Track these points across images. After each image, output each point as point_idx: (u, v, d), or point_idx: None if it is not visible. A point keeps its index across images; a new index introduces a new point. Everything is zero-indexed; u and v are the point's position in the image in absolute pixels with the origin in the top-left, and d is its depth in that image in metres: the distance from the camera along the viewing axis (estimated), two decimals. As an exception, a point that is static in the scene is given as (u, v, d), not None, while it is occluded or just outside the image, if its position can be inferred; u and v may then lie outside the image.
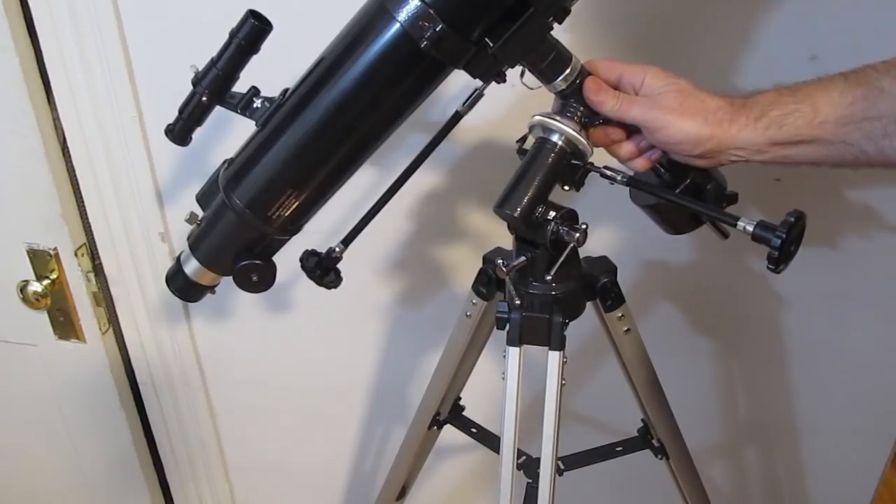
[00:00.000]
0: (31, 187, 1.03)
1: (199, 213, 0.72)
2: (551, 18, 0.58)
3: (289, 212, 0.66)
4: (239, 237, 0.68)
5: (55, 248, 1.07)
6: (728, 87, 0.83)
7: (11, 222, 1.07)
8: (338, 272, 0.71)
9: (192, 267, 0.72)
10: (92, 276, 1.11)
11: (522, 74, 0.62)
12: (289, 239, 0.70)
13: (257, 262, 0.68)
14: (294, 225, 0.69)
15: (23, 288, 1.10)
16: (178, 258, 0.74)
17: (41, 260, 1.08)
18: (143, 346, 1.19)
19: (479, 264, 0.77)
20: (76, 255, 1.08)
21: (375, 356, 1.14)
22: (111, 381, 1.20)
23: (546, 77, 0.61)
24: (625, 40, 0.82)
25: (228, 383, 1.24)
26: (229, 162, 0.68)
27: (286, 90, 0.64)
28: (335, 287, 0.71)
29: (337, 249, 0.70)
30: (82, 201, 1.06)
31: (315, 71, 0.61)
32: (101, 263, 1.12)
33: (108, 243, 1.09)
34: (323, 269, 0.70)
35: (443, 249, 1.02)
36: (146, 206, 1.05)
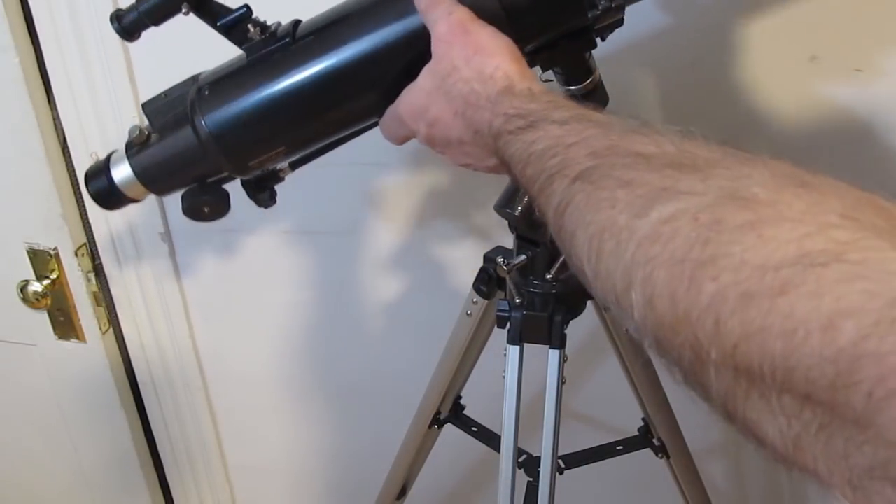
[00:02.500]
0: (31, 187, 1.03)
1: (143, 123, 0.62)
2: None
3: (272, 164, 0.62)
4: (196, 169, 0.61)
5: (55, 248, 1.07)
6: (728, 86, 0.83)
7: (11, 222, 1.07)
8: (273, 193, 0.66)
9: (122, 175, 0.63)
10: (92, 276, 1.11)
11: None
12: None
13: (210, 195, 0.62)
14: (265, 170, 0.63)
15: (23, 288, 1.10)
16: (109, 157, 0.64)
17: (41, 260, 1.08)
18: (143, 346, 1.19)
19: (480, 263, 0.77)
20: (76, 255, 1.08)
21: (375, 355, 1.14)
22: (111, 381, 1.20)
23: (568, 82, 0.60)
24: (622, 40, 0.82)
25: (228, 383, 1.24)
26: (202, 87, 0.58)
27: (297, 22, 0.57)
28: (265, 206, 0.66)
29: (283, 170, 0.65)
30: (82, 201, 1.06)
31: (345, 20, 0.56)
32: (101, 263, 1.12)
33: (108, 243, 1.09)
34: (261, 184, 0.65)
35: (443, 248, 1.02)
36: (146, 206, 1.05)
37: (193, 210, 0.62)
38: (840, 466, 0.24)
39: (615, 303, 0.32)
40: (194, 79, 0.60)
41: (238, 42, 0.57)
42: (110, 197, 0.64)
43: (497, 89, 0.47)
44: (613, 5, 0.52)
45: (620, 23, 0.56)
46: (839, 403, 0.23)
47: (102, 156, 0.65)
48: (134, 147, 0.62)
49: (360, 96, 0.57)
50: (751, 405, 0.26)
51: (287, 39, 0.56)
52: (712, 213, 0.28)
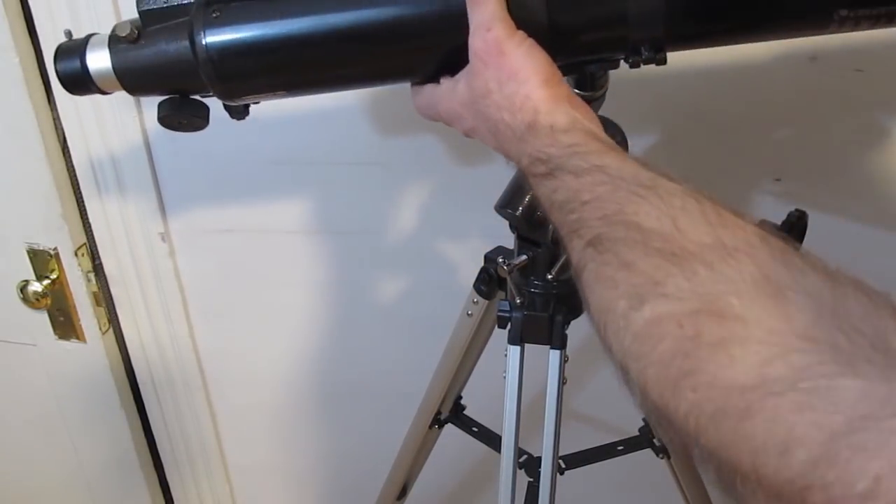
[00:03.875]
0: (31, 187, 1.03)
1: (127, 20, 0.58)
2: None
3: (265, 100, 0.59)
4: (182, 83, 0.58)
5: (55, 248, 1.07)
6: (728, 86, 0.83)
7: (11, 222, 1.07)
8: (247, 105, 0.63)
9: (98, 65, 0.58)
10: (92, 276, 1.11)
11: None
12: None
13: (190, 108, 0.60)
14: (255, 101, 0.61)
15: (23, 288, 1.10)
16: (87, 40, 0.59)
17: (41, 260, 1.08)
18: (143, 346, 1.19)
19: (480, 263, 0.77)
20: (76, 255, 1.08)
21: (376, 355, 1.14)
22: (111, 381, 1.20)
23: (578, 86, 0.59)
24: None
25: (228, 383, 1.24)
26: (211, 3, 0.55)
27: None
28: (239, 119, 0.63)
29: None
30: (82, 201, 1.06)
31: None
32: (101, 263, 1.12)
33: (108, 243, 1.09)
34: None
35: (443, 248, 1.02)
36: (146, 206, 1.05)
37: (170, 121, 0.60)
38: None
39: (621, 377, 0.37)
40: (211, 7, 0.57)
41: None
42: (78, 82, 0.60)
43: (524, 124, 0.48)
44: (657, 57, 0.51)
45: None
46: None
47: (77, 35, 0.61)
48: (119, 43, 0.58)
49: (386, 61, 0.55)
50: (738, 489, 0.30)
51: None
52: (694, 323, 0.33)
